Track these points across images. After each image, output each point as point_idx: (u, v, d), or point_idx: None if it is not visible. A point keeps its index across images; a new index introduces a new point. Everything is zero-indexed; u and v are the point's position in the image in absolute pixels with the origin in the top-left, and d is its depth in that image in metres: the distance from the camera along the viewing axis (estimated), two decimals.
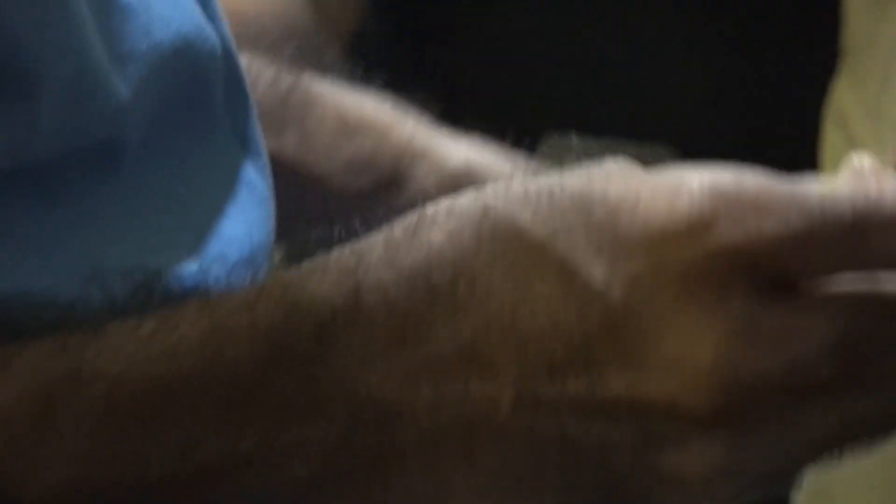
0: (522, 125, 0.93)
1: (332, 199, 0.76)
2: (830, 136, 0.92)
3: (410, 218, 0.40)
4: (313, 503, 0.40)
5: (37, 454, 0.39)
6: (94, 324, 0.41)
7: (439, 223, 0.40)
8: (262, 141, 0.52)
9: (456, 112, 0.84)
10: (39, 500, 0.39)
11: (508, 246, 0.39)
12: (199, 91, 0.49)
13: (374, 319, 0.39)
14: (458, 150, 0.77)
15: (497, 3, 0.98)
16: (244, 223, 0.47)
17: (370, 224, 0.42)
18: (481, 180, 0.65)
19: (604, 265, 0.40)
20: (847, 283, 0.40)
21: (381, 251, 0.40)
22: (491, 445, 0.41)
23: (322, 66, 0.81)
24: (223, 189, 0.48)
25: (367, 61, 0.92)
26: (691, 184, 0.39)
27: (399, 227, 0.40)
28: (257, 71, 0.74)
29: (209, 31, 0.50)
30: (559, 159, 0.51)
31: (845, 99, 0.93)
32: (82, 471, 0.39)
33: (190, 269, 0.46)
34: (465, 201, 0.40)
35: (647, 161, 1.04)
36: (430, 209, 0.40)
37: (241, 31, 0.87)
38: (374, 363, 0.39)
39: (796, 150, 0.97)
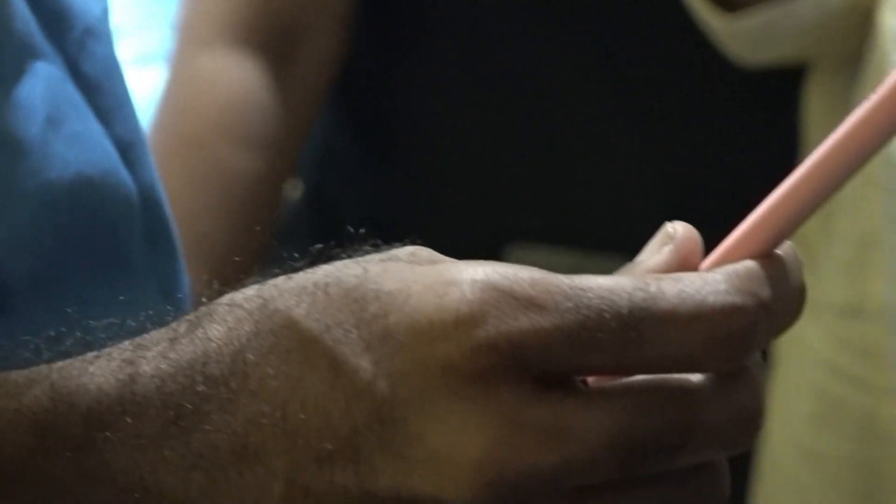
0: (489, 236, 0.95)
1: None
2: None
3: (195, 312, 0.41)
4: None
5: None
6: None
7: (220, 315, 0.40)
8: (186, 290, 0.53)
9: (423, 223, 0.85)
10: None
11: (282, 339, 0.40)
12: (103, 234, 0.49)
13: (147, 408, 0.40)
14: None
15: (460, 115, 0.98)
16: None
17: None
18: None
19: (371, 359, 0.39)
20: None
21: (163, 345, 0.40)
22: None
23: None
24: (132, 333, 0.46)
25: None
26: (464, 278, 0.39)
27: (183, 321, 0.41)
28: None
29: (123, 175, 0.51)
30: None
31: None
32: None
33: None
34: (246, 294, 0.40)
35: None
36: (213, 303, 0.40)
37: (217, 121, 0.88)
38: (146, 451, 0.39)
39: None
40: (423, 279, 0.39)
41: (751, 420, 0.40)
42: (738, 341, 0.39)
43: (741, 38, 0.92)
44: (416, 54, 0.97)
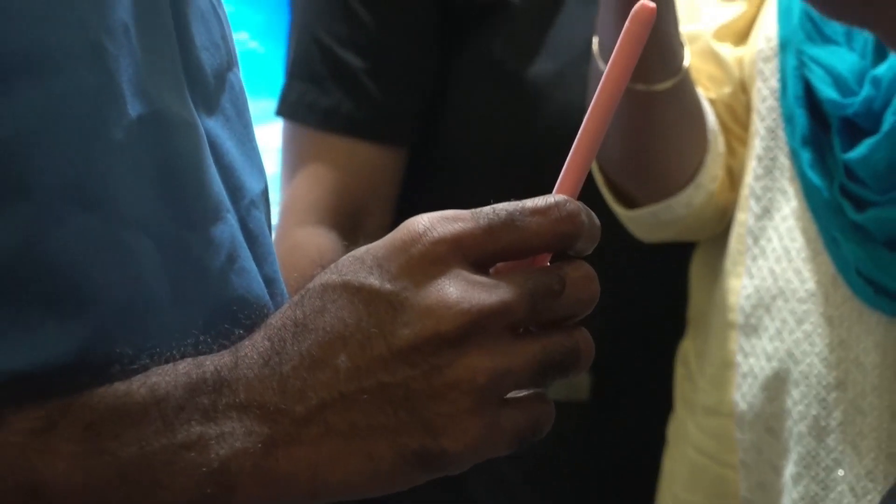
0: None
1: None
2: (679, 368, 1.18)
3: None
4: None
5: None
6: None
7: (307, 292, 0.54)
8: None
9: None
10: None
11: (316, 289, 0.54)
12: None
13: (256, 350, 0.53)
14: None
15: None
16: None
17: None
18: None
19: (376, 276, 0.53)
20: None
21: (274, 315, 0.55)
22: (340, 415, 0.52)
23: None
24: None
25: None
26: (418, 219, 0.54)
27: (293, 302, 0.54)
28: None
29: (268, 301, 0.63)
30: None
31: (687, 346, 1.17)
32: None
33: None
34: (318, 279, 0.54)
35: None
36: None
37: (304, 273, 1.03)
38: (270, 370, 0.52)
39: (666, 379, 1.21)
40: (398, 231, 0.54)
41: (591, 287, 0.55)
42: (570, 225, 0.54)
43: (637, 225, 1.09)
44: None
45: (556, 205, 0.54)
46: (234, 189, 0.63)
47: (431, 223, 0.54)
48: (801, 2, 1.01)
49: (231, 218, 0.61)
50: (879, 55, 1.00)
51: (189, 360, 0.54)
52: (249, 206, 0.65)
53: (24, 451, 0.52)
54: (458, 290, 0.53)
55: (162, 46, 0.61)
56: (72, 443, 0.52)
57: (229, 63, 0.67)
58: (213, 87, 0.64)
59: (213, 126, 0.64)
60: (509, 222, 0.54)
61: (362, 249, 0.55)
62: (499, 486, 1.32)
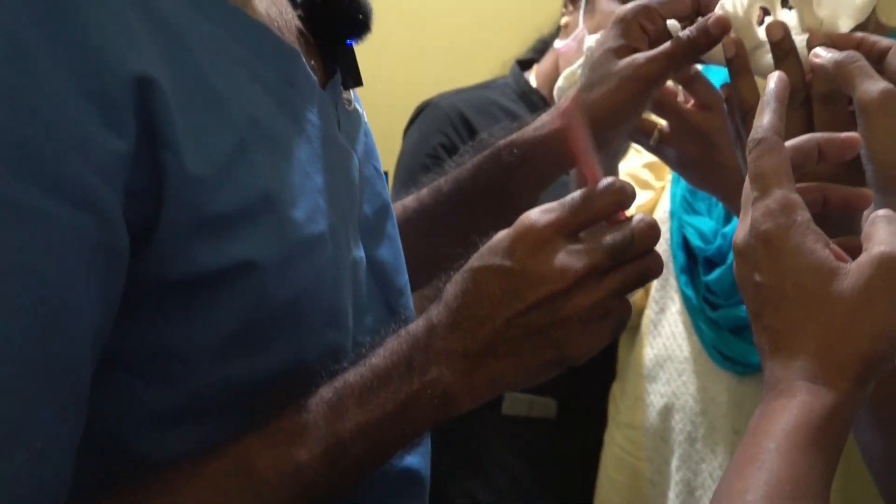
0: None
1: None
2: (610, 399, 1.48)
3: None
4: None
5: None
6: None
7: (463, 273, 0.63)
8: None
9: None
10: None
11: (469, 271, 0.64)
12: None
13: (440, 317, 0.63)
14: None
15: None
16: None
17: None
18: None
19: (508, 258, 0.62)
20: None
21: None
22: (501, 346, 0.62)
23: None
24: None
25: None
26: (530, 214, 0.64)
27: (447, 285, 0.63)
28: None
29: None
30: None
31: (615, 387, 1.47)
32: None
33: None
34: (469, 264, 0.64)
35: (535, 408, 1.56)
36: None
37: None
38: (454, 329, 0.62)
39: (605, 405, 1.46)
40: (513, 226, 0.64)
41: (653, 232, 0.65)
42: (622, 194, 0.65)
43: None
44: None
45: (608, 184, 0.66)
46: (389, 287, 0.76)
47: (537, 217, 0.64)
48: (681, 189, 1.39)
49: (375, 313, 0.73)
50: (727, 219, 1.38)
51: (393, 337, 0.65)
52: (398, 295, 0.77)
53: (326, 415, 0.63)
54: (560, 260, 0.63)
55: (353, 209, 0.72)
56: (355, 406, 0.63)
57: (385, 205, 0.79)
58: (374, 222, 0.76)
59: (380, 252, 0.75)
60: (588, 203, 0.65)
61: (494, 240, 0.66)
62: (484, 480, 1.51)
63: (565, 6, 1.86)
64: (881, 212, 0.61)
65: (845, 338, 0.57)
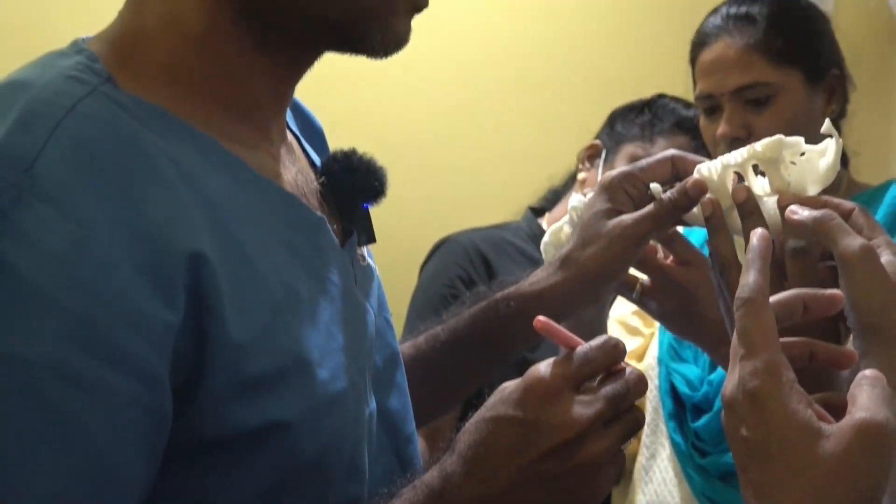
0: None
1: None
2: None
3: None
4: None
5: None
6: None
7: (474, 423, 0.67)
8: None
9: None
10: None
11: (482, 421, 0.68)
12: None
13: (454, 467, 0.66)
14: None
15: None
16: None
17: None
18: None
19: (520, 410, 0.66)
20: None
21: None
22: (517, 493, 0.66)
23: None
24: None
25: None
26: (539, 367, 0.68)
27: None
28: None
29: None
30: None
31: None
32: None
33: None
34: (479, 414, 0.67)
35: None
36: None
37: None
38: (470, 476, 0.66)
39: None
40: (523, 378, 0.68)
41: (642, 385, 0.71)
42: (616, 350, 0.70)
43: None
44: None
45: (605, 341, 0.71)
46: (398, 435, 0.81)
47: (545, 370, 0.69)
48: (667, 336, 1.48)
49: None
50: (713, 367, 1.47)
51: (409, 488, 0.68)
52: (406, 443, 0.82)
53: None
54: (570, 410, 0.67)
55: (369, 361, 0.77)
56: None
57: (394, 354, 0.84)
58: (384, 373, 0.81)
59: (390, 401, 0.80)
60: (589, 359, 0.70)
61: (505, 392, 0.69)
62: None
63: (582, 163, 1.95)
64: (868, 373, 0.64)
65: (827, 499, 0.60)
